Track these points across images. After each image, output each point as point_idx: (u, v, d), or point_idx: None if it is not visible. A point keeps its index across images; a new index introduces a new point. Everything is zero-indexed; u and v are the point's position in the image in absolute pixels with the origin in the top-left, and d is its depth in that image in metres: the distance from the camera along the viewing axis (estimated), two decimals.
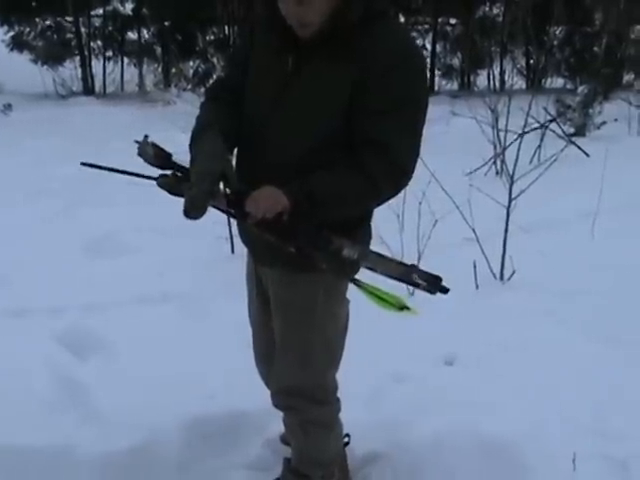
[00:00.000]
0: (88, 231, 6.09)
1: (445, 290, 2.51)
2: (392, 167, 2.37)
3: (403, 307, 2.55)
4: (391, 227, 5.10)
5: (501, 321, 4.51)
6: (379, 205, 2.53)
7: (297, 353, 2.74)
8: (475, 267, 5.08)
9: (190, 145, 2.54)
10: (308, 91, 2.40)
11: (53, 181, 7.95)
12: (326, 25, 2.34)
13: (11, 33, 15.54)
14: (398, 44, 2.39)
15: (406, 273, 2.51)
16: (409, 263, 2.57)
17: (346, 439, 3.16)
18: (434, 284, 2.49)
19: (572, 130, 10.48)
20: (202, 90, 14.29)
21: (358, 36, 2.35)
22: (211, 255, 5.59)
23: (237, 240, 5.50)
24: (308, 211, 2.31)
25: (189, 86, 15.00)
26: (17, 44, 15.54)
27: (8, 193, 7.38)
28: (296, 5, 2.30)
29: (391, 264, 2.50)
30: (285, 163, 2.42)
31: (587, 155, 9.09)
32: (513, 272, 5.18)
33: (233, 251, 5.53)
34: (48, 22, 15.80)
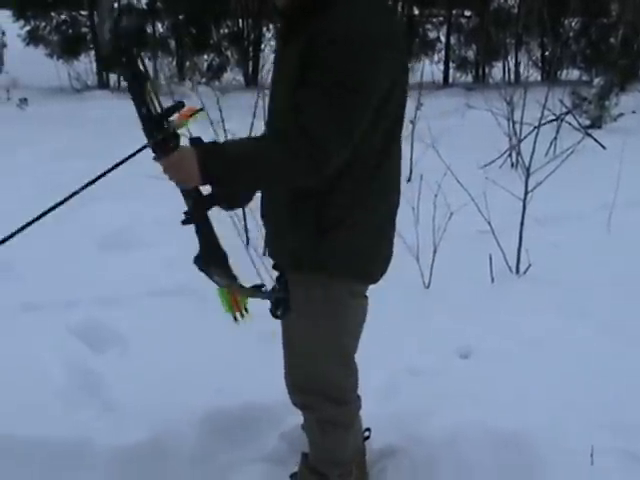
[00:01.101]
0: (102, 225, 6.09)
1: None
2: (311, 142, 2.25)
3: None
4: (406, 220, 5.07)
5: (517, 314, 4.49)
6: (294, 184, 2.40)
7: (300, 353, 2.74)
8: (491, 260, 5.06)
9: None
10: (282, 65, 2.53)
11: (68, 174, 7.93)
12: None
13: (27, 28, 15.57)
14: (345, 19, 2.32)
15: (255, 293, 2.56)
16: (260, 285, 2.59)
17: (366, 433, 3.14)
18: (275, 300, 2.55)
19: (588, 122, 10.43)
20: (216, 83, 14.32)
21: (319, 11, 2.34)
22: (225, 247, 5.57)
23: (252, 233, 5.49)
24: (219, 172, 2.28)
25: (203, 79, 15.01)
26: (33, 39, 15.57)
27: (23, 187, 7.39)
28: None
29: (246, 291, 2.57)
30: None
31: (603, 147, 9.04)
32: (529, 265, 5.16)
33: (248, 243, 5.52)
34: (63, 16, 15.83)
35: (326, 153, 2.28)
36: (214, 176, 2.28)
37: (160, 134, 2.39)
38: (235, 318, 2.60)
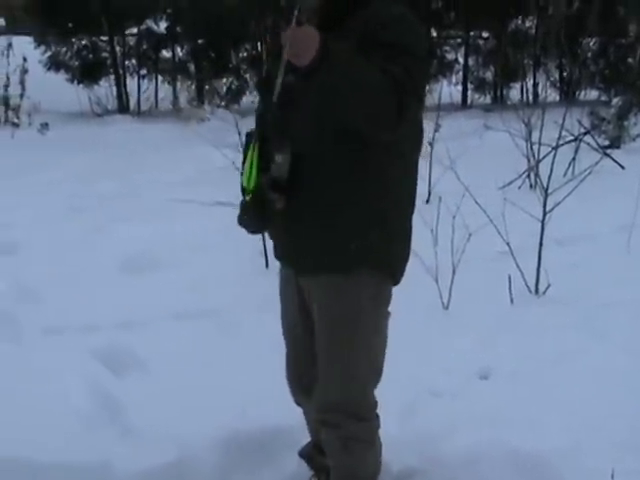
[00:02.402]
0: (124, 247, 6.13)
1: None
2: (411, 80, 2.41)
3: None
4: (425, 241, 5.09)
5: (536, 335, 4.49)
6: (377, 129, 2.47)
7: (342, 367, 2.74)
8: (510, 281, 5.06)
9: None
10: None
11: (90, 198, 8.02)
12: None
13: (48, 53, 15.71)
14: (396, 9, 2.58)
15: None
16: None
17: None
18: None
19: (607, 142, 10.41)
20: (235, 106, 14.40)
21: (360, 9, 2.56)
22: (246, 270, 5.62)
23: (272, 255, 5.52)
24: (334, 54, 2.33)
25: (222, 103, 15.09)
26: (54, 64, 15.71)
27: (45, 210, 7.45)
28: None
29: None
30: None
31: (622, 167, 9.02)
32: (548, 286, 5.15)
33: (267, 266, 5.54)
34: (84, 42, 15.97)
35: (407, 103, 2.40)
36: (326, 55, 2.31)
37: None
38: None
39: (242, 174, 2.69)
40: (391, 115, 2.39)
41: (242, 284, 5.32)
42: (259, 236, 5.64)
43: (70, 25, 15.59)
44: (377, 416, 2.89)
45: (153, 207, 7.41)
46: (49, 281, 5.44)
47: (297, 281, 2.81)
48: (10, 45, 13.89)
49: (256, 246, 5.47)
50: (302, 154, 2.55)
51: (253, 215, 2.63)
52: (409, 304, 4.54)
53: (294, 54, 2.31)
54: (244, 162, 2.69)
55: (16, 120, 13.40)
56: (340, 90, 2.38)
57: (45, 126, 12.58)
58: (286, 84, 2.46)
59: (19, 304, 5.00)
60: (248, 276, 5.47)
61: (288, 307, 2.90)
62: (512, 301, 5.05)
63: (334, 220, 2.61)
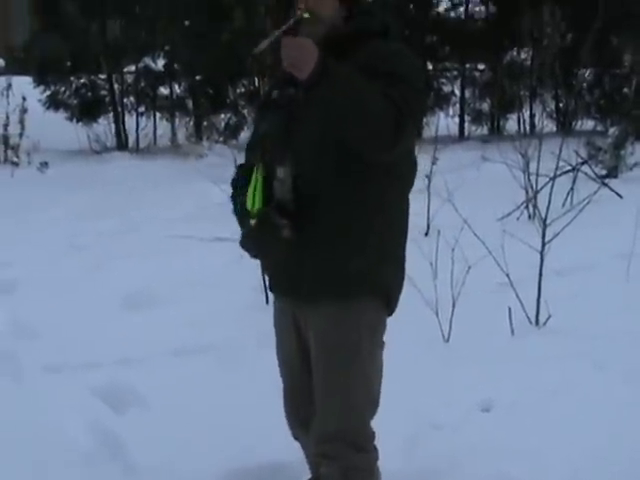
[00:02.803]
0: (123, 284, 6.13)
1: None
2: (409, 106, 2.49)
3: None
4: (424, 274, 5.10)
5: (537, 366, 4.48)
6: (371, 136, 2.51)
7: (341, 397, 2.73)
8: (510, 312, 5.05)
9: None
10: (313, 100, 2.60)
11: (89, 235, 8.03)
12: (331, 31, 2.64)
13: (47, 92, 15.79)
14: (394, 46, 2.71)
15: None
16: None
17: None
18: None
19: (604, 172, 10.44)
20: (233, 142, 14.45)
21: (360, 45, 2.65)
22: (245, 306, 5.61)
23: None
24: (332, 70, 2.41)
25: (221, 139, 15.16)
26: (53, 103, 15.79)
27: (44, 248, 7.45)
28: None
29: None
30: None
31: (620, 197, 9.05)
32: (549, 317, 5.15)
33: (267, 301, 5.54)
34: (82, 80, 16.07)
35: (405, 123, 2.48)
36: (326, 70, 2.40)
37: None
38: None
39: (235, 203, 2.76)
40: (390, 133, 2.46)
41: (241, 319, 5.32)
42: (259, 271, 5.66)
43: (69, 64, 15.70)
44: (375, 448, 2.87)
45: (152, 243, 7.42)
46: (48, 318, 5.43)
47: (293, 312, 2.82)
48: (10, 85, 13.98)
49: (255, 281, 5.47)
50: (304, 175, 2.60)
51: (256, 239, 2.64)
52: (410, 337, 4.55)
53: (292, 64, 2.40)
54: (235, 195, 2.76)
55: (16, 159, 13.44)
56: (340, 106, 2.45)
57: (44, 164, 12.63)
58: (286, 96, 2.59)
59: (18, 341, 5.00)
60: (247, 311, 5.46)
61: (284, 340, 2.90)
62: (513, 332, 5.05)
63: (334, 242, 2.64)
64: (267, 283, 2.97)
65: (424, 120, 15.22)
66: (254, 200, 2.63)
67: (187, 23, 15.82)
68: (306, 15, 2.57)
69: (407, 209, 2.80)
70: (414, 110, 2.56)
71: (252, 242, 2.68)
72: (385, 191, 2.67)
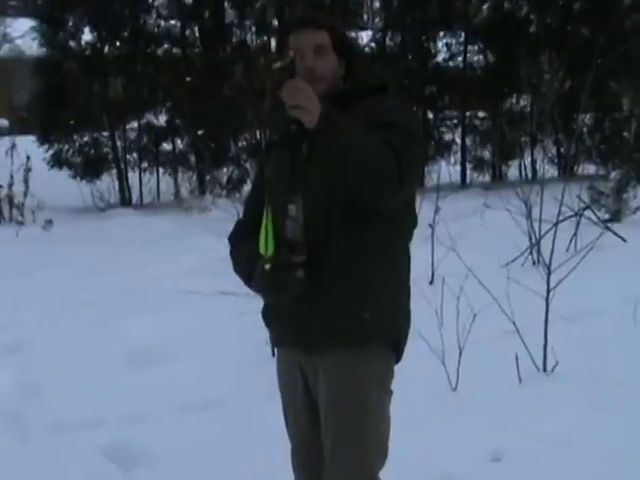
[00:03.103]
0: (129, 341, 6.13)
1: None
2: (411, 154, 2.54)
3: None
4: (430, 323, 5.09)
5: (547, 414, 4.45)
6: (373, 185, 2.54)
7: (352, 450, 2.71)
8: (517, 360, 5.03)
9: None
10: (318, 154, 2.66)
11: (94, 293, 8.04)
12: (332, 89, 2.69)
13: (50, 151, 15.91)
14: (393, 100, 2.77)
15: None
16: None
17: None
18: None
19: (607, 216, 10.46)
20: (237, 195, 14.50)
21: (360, 102, 2.71)
22: (251, 360, 5.59)
23: None
24: (335, 120, 2.46)
25: (224, 192, 15.21)
26: (56, 161, 15.90)
27: (50, 306, 7.46)
28: (313, 56, 2.69)
29: None
30: None
31: (624, 241, 9.04)
32: (556, 363, 5.13)
33: (274, 354, 5.52)
34: (85, 138, 16.19)
35: (407, 172, 2.52)
36: (331, 120, 2.45)
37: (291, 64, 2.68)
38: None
39: (234, 259, 2.80)
40: (393, 180, 2.49)
41: (247, 374, 5.30)
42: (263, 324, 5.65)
43: (72, 122, 15.83)
44: None
45: (157, 299, 7.42)
46: (54, 377, 5.43)
47: (300, 364, 2.81)
48: (14, 145, 14.11)
49: (261, 334, 5.45)
50: (312, 221, 2.62)
51: (271, 281, 2.64)
52: (417, 386, 4.53)
53: (299, 103, 2.43)
54: (234, 252, 2.82)
55: (20, 218, 13.51)
56: (344, 154, 2.48)
57: (49, 223, 12.68)
58: (289, 135, 2.66)
59: (24, 401, 5.00)
60: (254, 365, 5.44)
61: (290, 394, 2.89)
62: (520, 380, 5.02)
63: (344, 292, 2.65)
64: (271, 337, 2.95)
65: (425, 169, 15.35)
66: (267, 244, 2.63)
67: (188, 79, 15.97)
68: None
69: (409, 259, 2.82)
70: (416, 158, 2.60)
71: (267, 285, 2.68)
72: (391, 241, 2.71)
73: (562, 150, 16.73)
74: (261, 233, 2.65)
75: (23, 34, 21.69)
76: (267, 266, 2.62)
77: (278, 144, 2.80)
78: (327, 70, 2.72)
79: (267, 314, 2.89)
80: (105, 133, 16.25)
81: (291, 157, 2.70)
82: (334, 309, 2.67)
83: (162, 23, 16.61)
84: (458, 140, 17.20)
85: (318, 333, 2.70)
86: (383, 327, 2.71)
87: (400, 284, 2.77)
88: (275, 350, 3.00)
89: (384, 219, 2.65)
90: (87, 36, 16.16)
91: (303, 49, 2.71)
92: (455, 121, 17.30)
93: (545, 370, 5.18)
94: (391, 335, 2.75)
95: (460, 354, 4.99)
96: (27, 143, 14.90)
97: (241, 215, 3.05)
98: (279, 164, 2.76)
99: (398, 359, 2.81)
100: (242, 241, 2.85)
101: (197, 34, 16.89)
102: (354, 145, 2.47)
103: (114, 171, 16.13)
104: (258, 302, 2.87)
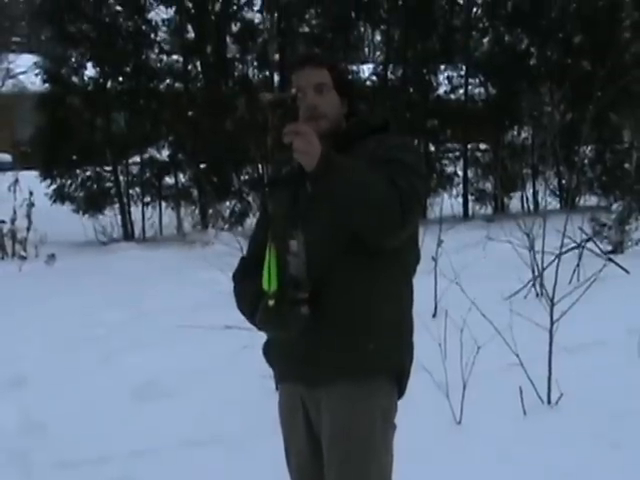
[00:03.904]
0: (133, 376, 6.12)
1: None
2: (413, 191, 2.56)
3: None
4: (434, 356, 5.08)
5: (552, 447, 4.43)
6: (375, 223, 2.55)
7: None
8: (521, 392, 5.01)
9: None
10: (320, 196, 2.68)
11: (98, 327, 8.04)
12: (334, 127, 2.73)
13: (53, 186, 15.96)
14: (396, 137, 2.79)
15: None
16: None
17: None
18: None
19: (610, 248, 10.46)
20: (239, 229, 14.54)
21: (363, 140, 2.74)
22: (255, 393, 5.57)
23: None
24: (337, 162, 2.48)
25: (226, 226, 15.26)
26: (59, 196, 15.95)
27: (54, 341, 7.46)
28: (315, 95, 2.72)
29: None
30: None
31: (627, 272, 9.04)
32: (560, 395, 5.11)
33: (277, 388, 5.51)
34: (88, 173, 16.25)
35: (411, 210, 2.55)
36: (332, 162, 2.47)
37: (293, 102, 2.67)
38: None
39: (238, 296, 2.82)
40: (395, 219, 2.51)
41: (251, 408, 5.28)
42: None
43: (74, 157, 15.90)
44: None
45: (160, 334, 7.42)
46: (58, 413, 5.41)
47: (302, 399, 2.80)
48: (17, 180, 14.18)
49: (265, 368, 5.44)
50: (315, 256, 2.64)
51: (275, 318, 2.64)
52: (421, 420, 4.51)
53: (300, 146, 2.45)
54: (238, 289, 2.83)
55: (23, 253, 13.54)
56: (346, 195, 2.50)
57: (52, 257, 12.71)
58: (292, 173, 2.67)
59: (28, 438, 4.98)
60: (258, 400, 5.41)
61: (292, 430, 2.88)
62: (525, 413, 5.00)
63: (348, 325, 2.66)
64: (274, 373, 2.94)
65: (428, 201, 15.39)
66: (270, 281, 2.64)
67: (190, 114, 16.06)
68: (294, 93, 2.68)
69: (412, 293, 2.83)
70: (419, 195, 2.62)
71: (271, 321, 2.68)
72: (394, 276, 2.72)
73: (564, 182, 16.78)
74: (264, 269, 2.65)
75: (26, 70, 21.84)
76: (271, 302, 2.62)
77: (281, 182, 2.82)
78: (328, 108, 2.75)
79: (269, 350, 2.89)
80: (108, 168, 16.32)
81: (293, 194, 2.72)
82: (338, 342, 2.67)
83: (164, 58, 16.77)
84: (460, 172, 17.26)
85: (322, 366, 2.70)
86: (387, 359, 2.71)
87: (403, 317, 2.78)
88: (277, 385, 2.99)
89: (387, 254, 2.67)
90: (90, 71, 16.29)
91: (304, 88, 2.74)
92: (457, 153, 17.39)
93: (549, 402, 5.16)
94: (395, 368, 2.75)
95: (464, 387, 4.97)
96: (30, 178, 14.97)
97: (245, 252, 3.05)
98: (281, 200, 2.78)
99: (401, 394, 2.81)
100: (246, 279, 2.86)
101: (199, 69, 17.02)
102: (355, 185, 2.49)
103: (117, 205, 16.19)
104: (261, 336, 2.88)
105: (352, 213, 2.53)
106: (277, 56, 16.99)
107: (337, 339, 2.66)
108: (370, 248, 2.61)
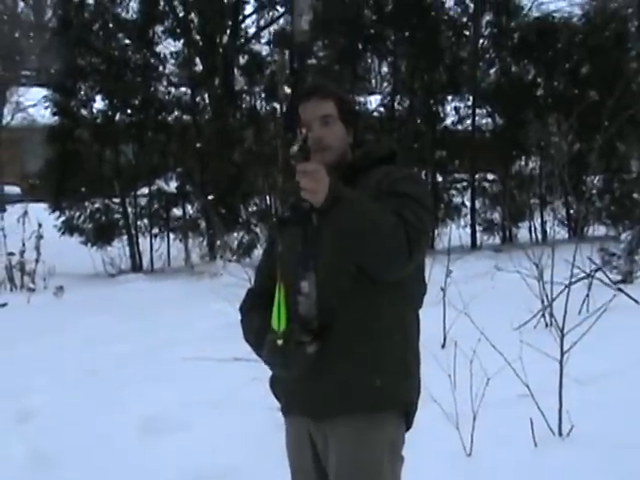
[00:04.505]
0: (141, 409, 6.09)
1: None
2: (420, 224, 2.57)
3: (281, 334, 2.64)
4: (443, 387, 5.05)
5: (564, 479, 4.39)
6: (383, 255, 2.55)
7: None
8: (532, 424, 4.98)
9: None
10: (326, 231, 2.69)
11: (106, 359, 8.02)
12: (340, 158, 2.75)
13: (62, 218, 16.00)
14: (403, 169, 2.81)
15: None
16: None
17: None
18: None
19: (619, 278, 10.42)
20: (247, 260, 14.54)
21: (370, 171, 2.76)
22: (265, 426, 5.54)
23: None
24: (345, 196, 2.49)
25: (234, 257, 15.25)
26: (68, 228, 15.98)
27: (62, 374, 7.44)
28: (320, 127, 2.74)
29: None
30: None
31: (637, 302, 9.00)
32: (572, 427, 5.07)
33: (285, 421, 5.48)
34: (97, 205, 16.29)
35: (417, 242, 2.56)
36: (339, 197, 2.47)
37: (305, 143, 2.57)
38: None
39: (245, 328, 2.83)
40: (402, 252, 2.52)
41: (260, 441, 5.25)
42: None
43: (83, 190, 15.96)
44: None
45: (169, 366, 7.39)
46: (67, 447, 5.39)
47: (310, 433, 2.79)
48: (26, 213, 14.23)
49: (274, 400, 5.42)
50: (323, 293, 2.64)
51: (283, 355, 2.63)
52: (431, 451, 4.48)
53: (309, 187, 2.45)
54: (244, 321, 2.84)
55: (32, 285, 13.55)
56: (352, 230, 2.51)
57: (60, 289, 12.72)
58: (302, 212, 2.66)
59: (36, 472, 4.95)
60: (267, 432, 5.37)
61: (300, 464, 2.87)
62: (536, 444, 4.96)
63: (355, 360, 2.65)
64: (281, 406, 2.93)
65: (435, 232, 15.38)
66: (279, 320, 2.63)
67: (198, 145, 16.12)
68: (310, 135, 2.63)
69: (419, 326, 2.84)
70: (425, 228, 2.63)
71: (278, 360, 2.67)
72: (401, 309, 2.73)
73: (572, 212, 16.76)
74: (274, 308, 2.65)
75: (36, 103, 21.98)
76: (279, 342, 2.62)
77: (291, 221, 2.82)
78: (334, 140, 2.77)
79: (275, 383, 2.89)
80: (116, 199, 16.36)
81: (303, 234, 2.72)
82: (345, 377, 2.67)
83: (173, 91, 16.84)
84: (468, 203, 17.25)
85: (329, 401, 2.69)
86: (394, 394, 2.71)
87: (410, 351, 2.77)
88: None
89: (394, 288, 2.67)
90: (99, 104, 16.38)
91: (310, 120, 2.76)
92: (464, 184, 17.37)
93: (560, 434, 5.12)
94: (402, 402, 2.74)
95: (474, 418, 4.94)
96: (39, 210, 15.02)
97: (252, 283, 3.06)
98: (292, 241, 2.77)
99: (409, 426, 2.80)
100: (253, 310, 2.87)
101: (207, 101, 17.09)
102: (361, 219, 2.50)
103: (125, 237, 16.20)
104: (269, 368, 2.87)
105: (358, 248, 2.54)
106: (285, 88, 17.07)
107: (343, 375, 2.66)
108: (376, 280, 2.60)
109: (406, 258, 2.54)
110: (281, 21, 18.07)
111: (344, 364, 2.65)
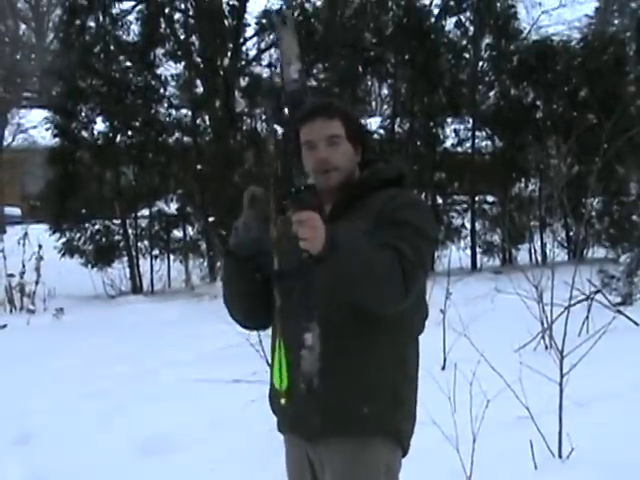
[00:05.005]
0: (141, 430, 6.08)
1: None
2: (418, 258, 2.53)
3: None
4: (443, 409, 5.05)
5: None
6: (380, 295, 2.51)
7: None
8: (532, 446, 4.97)
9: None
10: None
11: (106, 381, 8.01)
12: (347, 178, 2.69)
13: (62, 240, 16.00)
14: (410, 195, 2.79)
15: None
16: None
17: None
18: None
19: (619, 300, 10.43)
20: None
21: (376, 192, 2.70)
22: (265, 447, 5.53)
23: None
24: (343, 241, 2.43)
25: None
26: (68, 250, 15.97)
27: (61, 396, 7.43)
28: (326, 147, 2.66)
29: None
30: None
31: (636, 324, 9.01)
32: (572, 449, 5.06)
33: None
34: (97, 226, 16.30)
35: (415, 277, 2.52)
36: (336, 244, 2.40)
37: (302, 190, 2.48)
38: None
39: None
40: (399, 290, 2.49)
41: (260, 463, 5.24)
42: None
43: (84, 211, 15.98)
44: None
45: (169, 387, 7.39)
46: (64, 470, 5.38)
47: (308, 454, 2.78)
48: (26, 234, 14.23)
49: (273, 422, 5.41)
50: (331, 340, 2.53)
51: (286, 407, 2.61)
52: (431, 474, 4.48)
53: (306, 236, 2.39)
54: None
55: (32, 306, 13.54)
56: (348, 274, 2.46)
57: (60, 311, 12.71)
58: (298, 263, 2.50)
59: None
60: (267, 453, 5.38)
61: None
62: (536, 467, 4.96)
63: (348, 389, 2.63)
64: (277, 423, 2.93)
65: (436, 254, 15.38)
66: (281, 378, 2.56)
67: (199, 167, 16.16)
68: (308, 182, 2.53)
69: (418, 354, 2.80)
70: (424, 260, 2.58)
71: (281, 408, 2.65)
72: (398, 338, 2.69)
73: (571, 234, 16.79)
74: (275, 365, 2.58)
75: (37, 124, 22.06)
76: (283, 401, 2.57)
77: (289, 273, 2.65)
78: (341, 160, 2.68)
79: (271, 400, 2.88)
80: (116, 221, 16.37)
81: (304, 284, 2.53)
82: (332, 403, 2.64)
83: (173, 113, 16.89)
84: (467, 225, 17.28)
85: (317, 425, 2.68)
86: (380, 423, 2.66)
87: (405, 380, 2.73)
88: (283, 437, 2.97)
89: (395, 325, 2.64)
90: (99, 126, 16.43)
91: (315, 141, 2.67)
92: (464, 206, 17.41)
93: (561, 456, 5.11)
94: (390, 431, 2.69)
95: (474, 441, 4.93)
96: (39, 232, 15.02)
97: None
98: (292, 294, 2.61)
99: (404, 452, 2.76)
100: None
101: (208, 123, 17.15)
102: (355, 263, 2.44)
103: (125, 258, 16.20)
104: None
105: (351, 287, 2.50)
106: (285, 110, 17.11)
107: (331, 400, 2.63)
108: (372, 315, 2.58)
109: (402, 295, 2.50)
110: None
111: (332, 392, 2.60)
